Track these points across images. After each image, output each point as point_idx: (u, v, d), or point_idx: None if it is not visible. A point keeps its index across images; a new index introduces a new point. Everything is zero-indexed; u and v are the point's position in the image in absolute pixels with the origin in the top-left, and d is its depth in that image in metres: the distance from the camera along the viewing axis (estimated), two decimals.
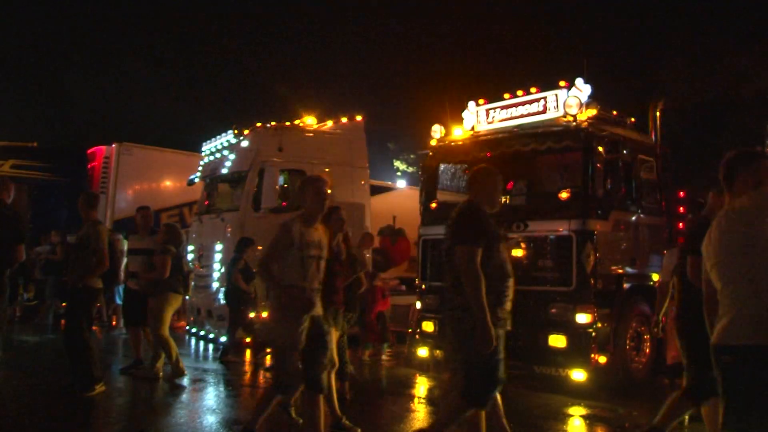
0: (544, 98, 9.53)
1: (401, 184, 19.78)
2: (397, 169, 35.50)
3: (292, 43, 38.75)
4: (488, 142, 9.91)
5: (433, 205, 10.34)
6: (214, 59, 37.48)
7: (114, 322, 14.12)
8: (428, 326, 9.95)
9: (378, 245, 14.04)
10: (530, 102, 9.72)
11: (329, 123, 13.56)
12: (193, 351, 12.11)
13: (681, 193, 10.77)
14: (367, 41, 38.69)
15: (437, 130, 10.53)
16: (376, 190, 14.79)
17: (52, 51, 35.02)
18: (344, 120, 13.67)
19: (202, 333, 12.83)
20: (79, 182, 16.17)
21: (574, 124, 8.88)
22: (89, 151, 16.84)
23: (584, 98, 9.02)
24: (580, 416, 7.28)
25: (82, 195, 7.99)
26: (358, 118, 13.83)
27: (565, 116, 9.07)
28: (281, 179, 12.24)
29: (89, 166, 16.62)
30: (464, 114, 10.49)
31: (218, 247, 12.23)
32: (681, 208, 10.86)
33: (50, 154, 16.32)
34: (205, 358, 11.44)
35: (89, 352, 7.57)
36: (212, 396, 8.57)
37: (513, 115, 9.88)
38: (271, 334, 5.60)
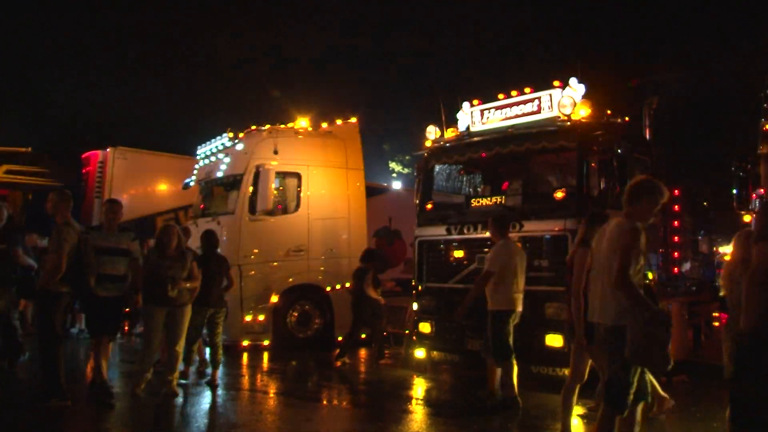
0: (539, 98, 9.55)
1: (397, 185, 19.81)
2: (393, 171, 35.57)
3: (286, 45, 38.71)
4: (483, 143, 9.94)
5: (429, 206, 10.36)
6: (209, 62, 37.46)
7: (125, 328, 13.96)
8: (425, 327, 9.97)
9: (374, 247, 14.05)
10: (524, 102, 9.73)
11: (324, 125, 13.56)
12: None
13: (675, 191, 10.81)
14: (361, 42, 38.73)
15: (432, 131, 10.55)
16: (371, 192, 14.80)
17: (46, 55, 34.93)
18: (339, 122, 13.68)
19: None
20: (74, 187, 16.12)
21: (569, 123, 8.91)
22: (84, 156, 16.79)
23: (578, 98, 9.05)
24: (578, 415, 7.28)
25: (51, 194, 7.67)
26: (353, 119, 13.85)
27: (559, 116, 9.10)
28: (276, 182, 12.23)
29: (84, 170, 16.57)
30: (459, 115, 10.51)
31: None
32: (676, 207, 10.90)
33: (44, 159, 16.25)
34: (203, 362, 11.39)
35: (51, 362, 7.24)
36: (210, 398, 8.57)
37: (507, 115, 9.90)
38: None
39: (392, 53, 37.66)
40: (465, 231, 9.63)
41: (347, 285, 11.98)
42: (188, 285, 8.13)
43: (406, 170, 34.96)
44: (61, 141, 26.71)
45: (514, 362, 7.65)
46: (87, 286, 7.42)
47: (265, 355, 11.75)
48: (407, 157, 35.50)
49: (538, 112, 9.52)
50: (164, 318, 8.04)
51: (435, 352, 9.95)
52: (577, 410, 7.52)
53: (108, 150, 16.20)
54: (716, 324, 10.42)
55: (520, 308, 7.80)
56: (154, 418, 7.45)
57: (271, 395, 9.09)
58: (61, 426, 7.00)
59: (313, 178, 12.91)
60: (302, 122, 13.29)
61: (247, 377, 10.20)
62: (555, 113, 9.23)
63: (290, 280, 12.42)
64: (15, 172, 15.51)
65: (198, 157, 14.05)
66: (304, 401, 8.63)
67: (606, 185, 8.94)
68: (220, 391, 8.85)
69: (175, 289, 7.94)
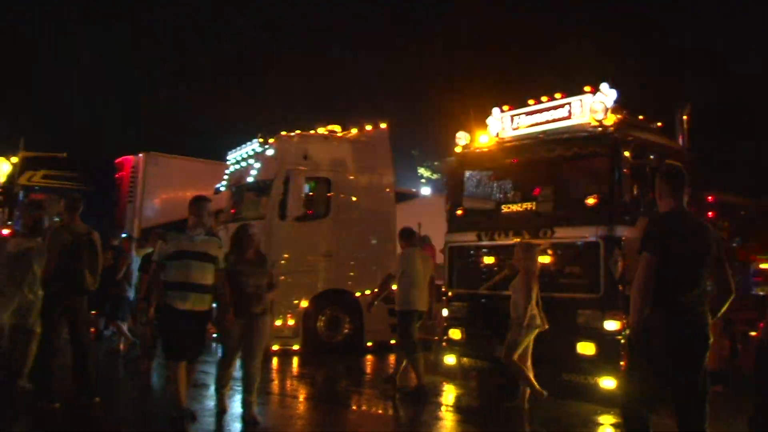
0: (569, 104, 9.46)
1: (426, 191, 19.79)
2: (422, 176, 35.53)
3: (317, 51, 38.93)
4: (513, 149, 9.87)
5: (459, 212, 10.31)
6: (240, 69, 37.81)
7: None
8: (455, 334, 9.91)
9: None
10: (555, 108, 9.64)
11: (354, 131, 13.59)
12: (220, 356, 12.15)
13: (709, 197, 10.64)
14: (390, 48, 38.81)
15: (462, 137, 10.51)
16: (401, 198, 14.80)
17: (81, 64, 35.52)
18: (368, 128, 13.69)
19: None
20: (108, 191, 16.38)
21: (600, 129, 8.81)
22: (117, 161, 17.08)
23: (610, 103, 8.95)
24: (611, 425, 7.20)
25: (64, 201, 7.92)
26: (383, 125, 13.84)
27: (590, 122, 9.01)
28: (307, 187, 12.28)
29: (117, 175, 16.84)
30: (489, 120, 10.46)
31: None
32: (710, 213, 10.73)
33: (80, 164, 16.55)
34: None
35: (45, 362, 7.38)
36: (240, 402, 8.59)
37: (538, 121, 9.81)
38: None
39: (422, 59, 37.68)
40: (495, 237, 9.57)
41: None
42: (270, 296, 7.52)
43: (435, 176, 34.94)
44: (96, 146, 27.17)
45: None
46: (163, 299, 6.73)
47: (295, 360, 11.78)
48: (436, 163, 35.49)
49: (569, 117, 9.43)
50: (241, 330, 7.12)
51: (465, 359, 9.88)
52: (609, 419, 7.45)
53: (140, 155, 16.46)
54: (753, 333, 10.23)
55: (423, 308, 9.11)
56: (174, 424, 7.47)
57: (301, 400, 9.12)
58: None
59: (343, 184, 12.93)
60: (332, 128, 13.33)
61: (276, 381, 10.22)
62: (586, 119, 9.14)
63: (320, 285, 12.46)
64: (52, 176, 15.83)
65: (229, 162, 14.17)
66: (333, 406, 8.63)
67: (639, 191, 8.82)
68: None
69: (261, 304, 7.21)
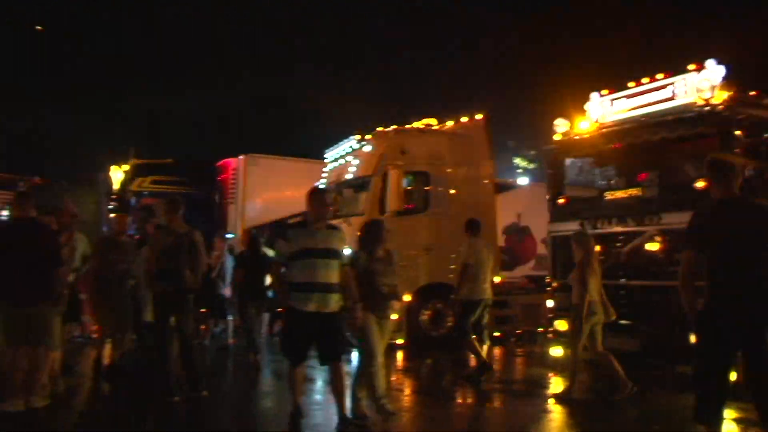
0: (672, 84, 9.12)
1: (523, 181, 19.52)
2: (518, 167, 34.98)
3: (411, 44, 38.99)
4: (615, 133, 9.61)
5: (562, 200, 10.12)
6: (335, 65, 38.28)
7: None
8: (562, 325, 9.73)
9: (503, 244, 13.91)
10: (657, 89, 9.32)
11: (450, 123, 13.53)
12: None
13: None
14: (483, 36, 38.40)
15: (561, 124, 10.31)
16: (499, 188, 14.63)
17: (185, 71, 36.86)
18: (465, 119, 13.60)
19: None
20: (212, 194, 16.95)
21: (708, 108, 8.45)
22: (219, 164, 17.63)
23: (717, 80, 8.56)
24: (732, 419, 6.89)
25: (163, 202, 8.27)
26: (479, 116, 13.71)
27: (696, 101, 8.64)
28: (405, 182, 12.32)
29: (220, 178, 17.40)
30: (588, 106, 10.21)
31: (347, 251, 12.41)
32: None
33: (185, 169, 17.22)
34: (348, 361, 11.65)
35: (162, 360, 7.78)
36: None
37: (640, 103, 9.52)
38: None
39: (516, 48, 37.10)
40: (599, 225, 9.34)
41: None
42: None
43: (531, 165, 34.34)
44: (200, 150, 28.13)
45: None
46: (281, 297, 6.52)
47: (399, 354, 11.85)
48: (533, 152, 34.89)
49: (673, 98, 9.09)
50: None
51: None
52: (730, 413, 7.13)
53: (241, 157, 16.93)
54: None
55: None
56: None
57: (406, 393, 9.14)
58: None
59: (441, 177, 12.89)
60: (429, 121, 13.32)
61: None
62: (692, 98, 8.77)
63: (422, 278, 12.46)
64: (160, 182, 16.54)
65: (327, 161, 14.37)
66: (439, 400, 8.64)
67: (753, 172, 8.39)
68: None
69: (394, 305, 6.94)
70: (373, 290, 6.68)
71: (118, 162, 18.14)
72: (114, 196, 17.97)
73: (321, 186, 6.68)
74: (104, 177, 18.98)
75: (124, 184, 17.31)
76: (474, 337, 9.15)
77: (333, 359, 6.41)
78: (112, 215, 17.50)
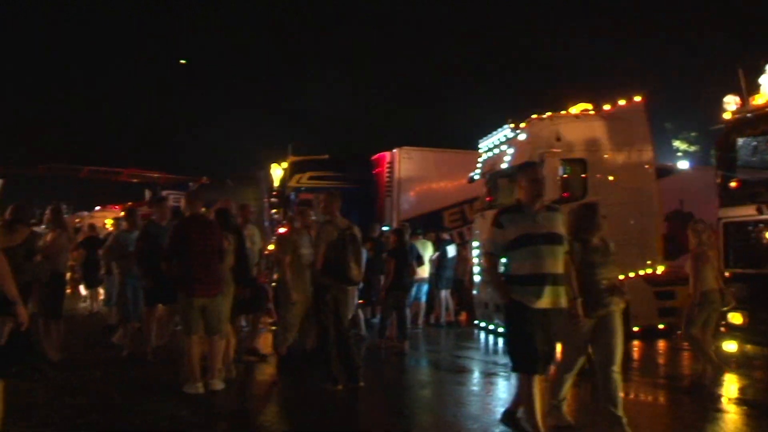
0: None
1: (683, 165, 18.56)
2: (678, 150, 33.33)
3: (560, 27, 38.07)
4: None
5: (734, 184, 9.52)
6: (486, 53, 38.05)
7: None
8: (736, 318, 9.16)
9: (666, 231, 13.30)
10: None
11: (607, 107, 13.07)
12: (482, 345, 12.40)
13: None
14: (638, 16, 36.83)
15: (731, 102, 9.69)
16: (659, 174, 13.96)
17: (339, 66, 37.91)
18: (622, 102, 13.08)
19: (491, 327, 13.08)
20: (367, 188, 17.33)
21: None
22: (374, 158, 17.99)
23: None
24: None
25: (322, 195, 8.51)
26: (638, 98, 13.14)
27: None
28: (561, 170, 12.03)
29: (375, 171, 17.75)
30: (762, 80, 9.53)
31: None
32: None
33: (340, 164, 17.71)
34: (495, 351, 11.64)
35: (326, 349, 7.97)
36: (505, 389, 8.65)
37: None
38: None
39: (674, 24, 35.28)
40: None
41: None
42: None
43: (692, 148, 32.64)
44: (354, 145, 28.87)
45: None
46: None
47: (558, 346, 11.61)
48: (693, 134, 33.17)
49: None
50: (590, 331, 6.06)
51: (749, 346, 9.14)
52: None
53: (395, 151, 17.19)
54: None
55: None
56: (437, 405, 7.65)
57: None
58: None
59: (599, 163, 12.46)
60: (584, 106, 12.93)
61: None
62: None
63: None
64: (318, 177, 17.12)
65: (481, 150, 14.30)
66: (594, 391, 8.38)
67: None
68: (513, 382, 8.95)
69: (614, 300, 6.06)
70: (592, 285, 5.91)
71: (277, 160, 18.94)
72: (274, 193, 18.77)
73: (530, 161, 5.75)
74: (265, 174, 19.87)
75: (283, 180, 18.02)
76: None
77: (546, 363, 5.65)
78: (272, 211, 18.36)
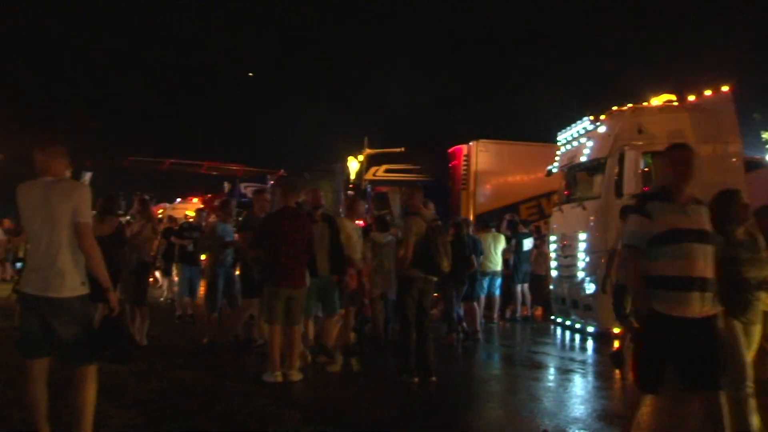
0: None
1: None
2: (767, 142, 31.99)
3: (644, 13, 37.04)
4: None
5: None
6: (562, 45, 37.40)
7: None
8: None
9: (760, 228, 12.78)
10: None
11: (691, 98, 12.61)
12: (559, 341, 12.20)
13: None
14: (724, 1, 35.46)
15: None
16: (749, 167, 13.40)
17: (416, 59, 37.90)
18: (708, 93, 12.60)
19: (567, 323, 12.86)
20: (443, 181, 17.26)
21: None
22: (450, 151, 17.91)
23: None
24: None
25: (404, 188, 8.68)
26: (725, 88, 12.62)
27: None
28: (643, 163, 11.69)
29: (451, 164, 17.66)
30: None
31: (582, 236, 12.11)
32: None
33: (416, 157, 17.69)
34: (572, 348, 11.43)
35: (403, 341, 8.00)
36: (582, 386, 8.53)
37: None
38: None
39: (763, 10, 33.82)
40: None
41: None
42: None
43: None
44: (430, 138, 28.89)
45: None
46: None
47: None
48: None
49: None
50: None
51: None
52: None
53: (471, 144, 17.08)
54: None
55: None
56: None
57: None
58: None
59: None
60: (667, 97, 12.52)
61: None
62: None
63: None
64: (393, 170, 17.16)
65: (559, 143, 14.05)
66: (681, 393, 8.09)
67: None
68: (591, 378, 8.87)
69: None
70: (735, 286, 5.20)
71: (353, 152, 19.07)
72: (350, 186, 18.90)
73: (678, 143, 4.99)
74: (341, 167, 20.03)
75: (359, 173, 18.13)
76: None
77: (711, 385, 4.51)
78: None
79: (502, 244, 13.18)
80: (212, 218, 11.28)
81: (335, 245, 8.64)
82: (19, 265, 16.08)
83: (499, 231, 13.75)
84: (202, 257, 11.63)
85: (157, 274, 17.36)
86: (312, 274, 8.23)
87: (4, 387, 6.81)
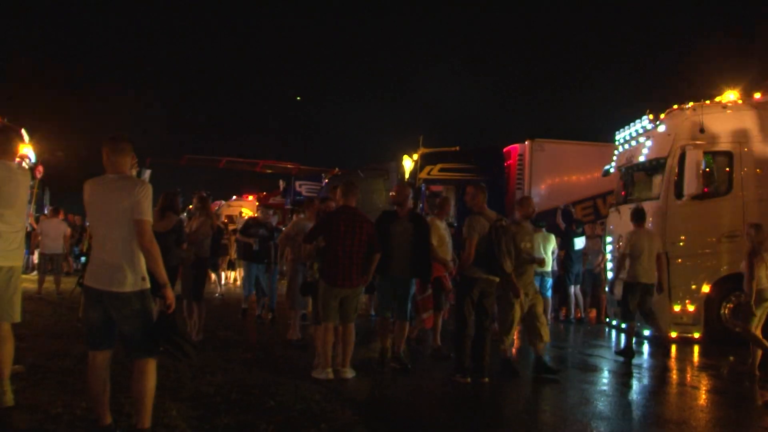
0: None
1: None
2: None
3: (705, 8, 36.14)
4: None
5: None
6: (621, 43, 36.76)
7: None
8: None
9: None
10: None
11: (757, 95, 12.23)
12: (613, 343, 11.99)
13: None
14: None
15: None
16: None
17: (468, 58, 37.73)
18: None
19: (623, 326, 12.63)
20: (498, 180, 17.13)
21: None
22: (505, 150, 17.77)
23: None
24: None
25: (469, 187, 8.37)
26: None
27: None
28: (704, 163, 11.41)
29: (506, 164, 17.53)
30: None
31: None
32: None
33: (471, 156, 17.59)
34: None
35: (460, 341, 7.92)
36: (637, 390, 8.42)
37: None
38: None
39: None
40: None
41: None
42: None
43: None
44: (486, 137, 28.75)
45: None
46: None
47: (696, 349, 11.12)
48: None
49: None
50: None
51: None
52: None
53: (526, 143, 16.93)
54: None
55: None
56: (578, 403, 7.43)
57: (703, 392, 8.41)
58: None
59: (747, 156, 11.70)
60: (731, 95, 12.18)
61: (675, 371, 9.71)
62: None
63: (723, 268, 11.47)
64: (448, 169, 17.10)
65: (617, 143, 13.82)
66: (738, 401, 7.92)
67: None
68: (646, 383, 8.76)
69: None
70: None
71: (408, 151, 19.04)
72: (411, 184, 18.87)
73: None
74: (396, 166, 20.02)
75: (414, 172, 18.08)
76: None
77: None
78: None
79: (552, 243, 13.02)
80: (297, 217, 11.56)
81: (421, 246, 8.45)
82: (83, 259, 16.55)
83: (552, 225, 13.59)
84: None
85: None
86: (381, 273, 8.22)
87: (68, 377, 7.01)
